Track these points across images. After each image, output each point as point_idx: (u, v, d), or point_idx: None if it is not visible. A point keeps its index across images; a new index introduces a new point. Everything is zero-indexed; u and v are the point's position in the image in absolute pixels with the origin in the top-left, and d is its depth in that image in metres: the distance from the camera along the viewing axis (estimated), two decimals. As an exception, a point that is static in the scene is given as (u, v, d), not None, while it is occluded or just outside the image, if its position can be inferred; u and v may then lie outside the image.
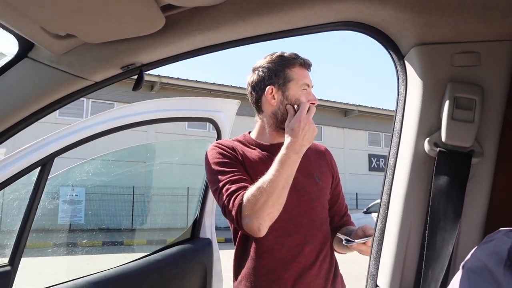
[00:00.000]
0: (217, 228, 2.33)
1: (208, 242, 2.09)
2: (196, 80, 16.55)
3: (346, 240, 1.32)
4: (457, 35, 0.73)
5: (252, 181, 1.26)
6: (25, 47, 1.01)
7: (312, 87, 1.43)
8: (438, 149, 0.75)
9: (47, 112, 1.11)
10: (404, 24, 0.75)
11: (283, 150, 1.25)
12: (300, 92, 1.38)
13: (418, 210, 0.78)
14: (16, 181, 1.56)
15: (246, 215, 1.20)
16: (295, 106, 1.35)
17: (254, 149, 1.42)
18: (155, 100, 1.92)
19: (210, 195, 2.03)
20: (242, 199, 1.21)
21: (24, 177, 1.58)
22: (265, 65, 1.42)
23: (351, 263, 3.53)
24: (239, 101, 2.14)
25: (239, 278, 1.38)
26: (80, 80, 1.06)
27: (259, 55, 1.49)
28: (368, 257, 0.85)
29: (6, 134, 1.10)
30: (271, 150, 1.38)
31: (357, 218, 12.80)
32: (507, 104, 0.74)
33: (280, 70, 1.39)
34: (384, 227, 0.82)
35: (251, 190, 1.21)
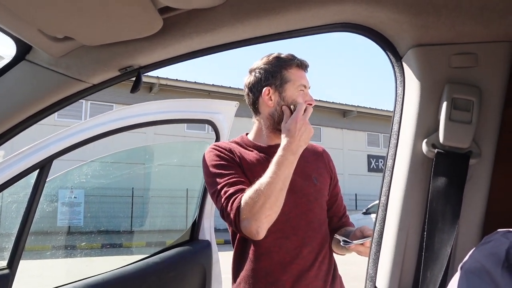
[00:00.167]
0: (216, 230, 2.32)
1: (207, 244, 2.08)
2: (195, 82, 16.57)
3: (344, 241, 1.31)
4: (454, 36, 0.74)
5: (250, 183, 1.26)
6: (23, 50, 1.01)
7: (309, 88, 1.42)
8: (436, 150, 0.75)
9: (45, 115, 1.11)
10: (401, 25, 0.75)
11: (280, 152, 1.25)
12: (297, 93, 1.38)
13: (417, 211, 0.78)
14: (15, 184, 1.55)
15: (244, 218, 1.20)
16: (292, 107, 1.35)
17: (252, 151, 1.41)
18: (154, 102, 1.92)
19: (209, 197, 2.03)
20: (240, 202, 1.21)
21: (22, 179, 1.57)
22: (262, 66, 1.41)
23: (349, 264, 3.53)
24: (238, 102, 2.13)
25: (238, 280, 1.38)
26: (78, 83, 1.06)
27: (258, 56, 1.49)
28: (367, 258, 0.85)
29: (5, 137, 1.10)
30: (269, 151, 1.38)
31: (356, 219, 12.79)
32: (505, 105, 0.74)
33: (277, 71, 1.39)
34: (383, 228, 0.81)
35: (249, 192, 1.21)
